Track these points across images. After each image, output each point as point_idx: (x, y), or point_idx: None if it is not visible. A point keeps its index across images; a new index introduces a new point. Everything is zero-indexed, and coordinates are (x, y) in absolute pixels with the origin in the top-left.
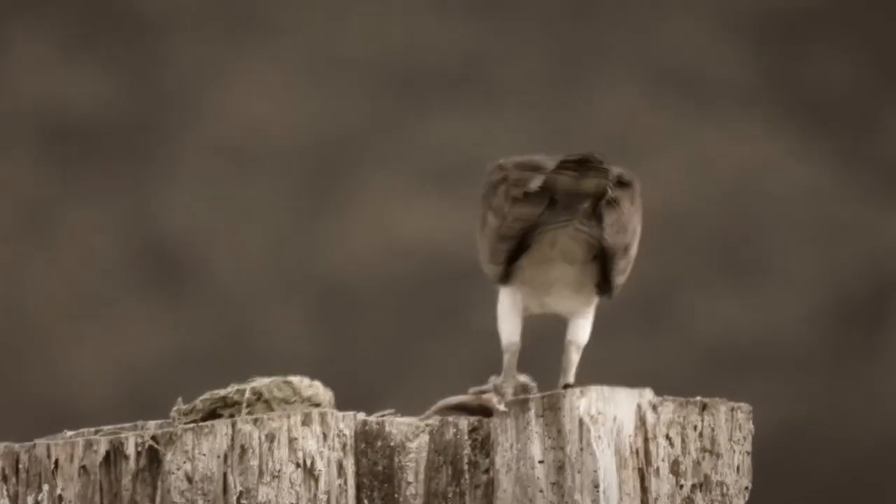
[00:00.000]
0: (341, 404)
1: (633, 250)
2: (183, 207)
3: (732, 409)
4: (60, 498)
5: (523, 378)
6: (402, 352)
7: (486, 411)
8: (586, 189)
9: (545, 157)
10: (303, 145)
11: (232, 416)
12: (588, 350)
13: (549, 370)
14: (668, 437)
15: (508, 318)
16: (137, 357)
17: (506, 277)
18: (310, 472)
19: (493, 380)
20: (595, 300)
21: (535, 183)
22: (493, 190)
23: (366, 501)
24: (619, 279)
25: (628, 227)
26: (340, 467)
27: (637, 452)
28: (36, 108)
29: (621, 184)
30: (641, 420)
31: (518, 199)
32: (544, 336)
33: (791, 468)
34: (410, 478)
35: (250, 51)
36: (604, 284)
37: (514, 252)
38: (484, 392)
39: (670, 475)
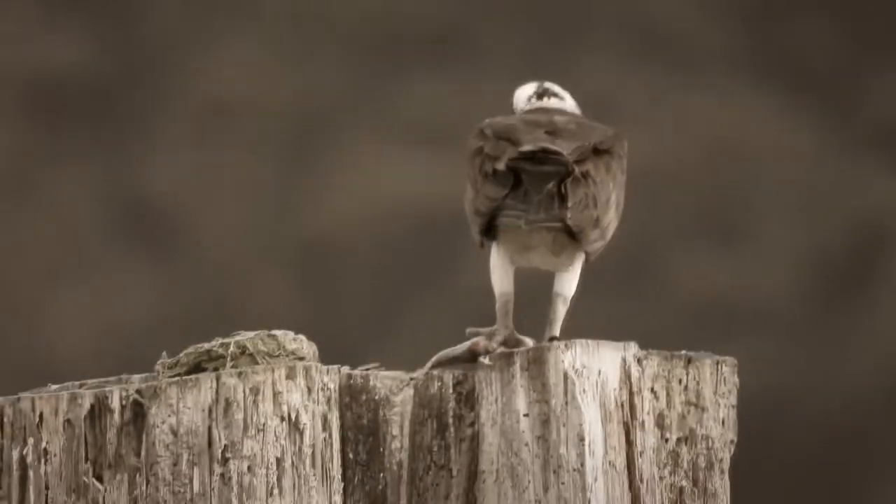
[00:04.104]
0: (325, 362)
1: (609, 216)
2: (165, 169)
3: (717, 363)
4: (46, 451)
5: (525, 339)
6: (385, 309)
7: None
8: (547, 174)
9: (522, 122)
10: (285, 107)
11: (216, 369)
12: (572, 307)
13: (542, 323)
14: (653, 391)
15: (499, 269)
16: (119, 317)
17: (490, 239)
18: (294, 426)
19: (470, 330)
20: (581, 255)
21: (501, 164)
22: (472, 158)
23: (351, 455)
24: (592, 247)
25: (599, 198)
26: (325, 421)
27: (622, 406)
28: (17, 70)
29: (597, 151)
30: (626, 374)
31: (488, 175)
32: (537, 288)
33: (773, 427)
34: (395, 431)
35: (232, 14)
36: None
37: (489, 226)
38: (480, 333)
39: (655, 428)
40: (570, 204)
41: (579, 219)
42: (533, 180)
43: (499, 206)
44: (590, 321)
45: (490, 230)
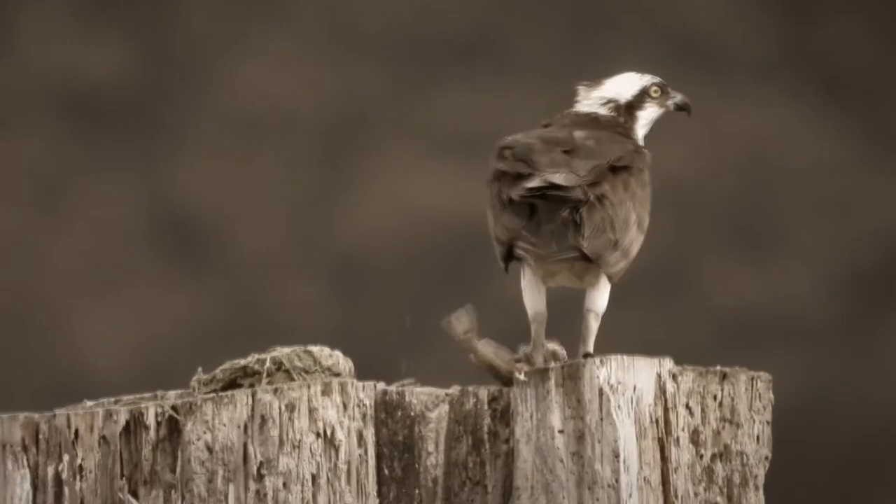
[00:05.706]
0: (360, 375)
1: (630, 236)
2: (199, 179)
3: (752, 379)
4: (81, 468)
5: (553, 345)
6: (420, 322)
7: (511, 381)
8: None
9: (541, 140)
10: (318, 116)
11: (252, 385)
12: (605, 321)
13: (575, 337)
14: (687, 407)
15: (530, 290)
16: (155, 329)
17: (517, 261)
18: (330, 442)
19: (523, 348)
20: None
21: (516, 193)
22: (492, 183)
23: (386, 471)
24: (614, 269)
25: (617, 220)
26: (361, 437)
27: (657, 422)
28: (51, 79)
29: (614, 169)
30: (661, 389)
31: (506, 205)
32: (569, 304)
33: (805, 439)
34: (431, 447)
35: (266, 22)
36: None
37: (510, 253)
38: (517, 360)
39: (690, 445)
40: (586, 232)
41: (596, 245)
42: (546, 211)
43: (516, 236)
44: (621, 334)
45: (515, 255)
